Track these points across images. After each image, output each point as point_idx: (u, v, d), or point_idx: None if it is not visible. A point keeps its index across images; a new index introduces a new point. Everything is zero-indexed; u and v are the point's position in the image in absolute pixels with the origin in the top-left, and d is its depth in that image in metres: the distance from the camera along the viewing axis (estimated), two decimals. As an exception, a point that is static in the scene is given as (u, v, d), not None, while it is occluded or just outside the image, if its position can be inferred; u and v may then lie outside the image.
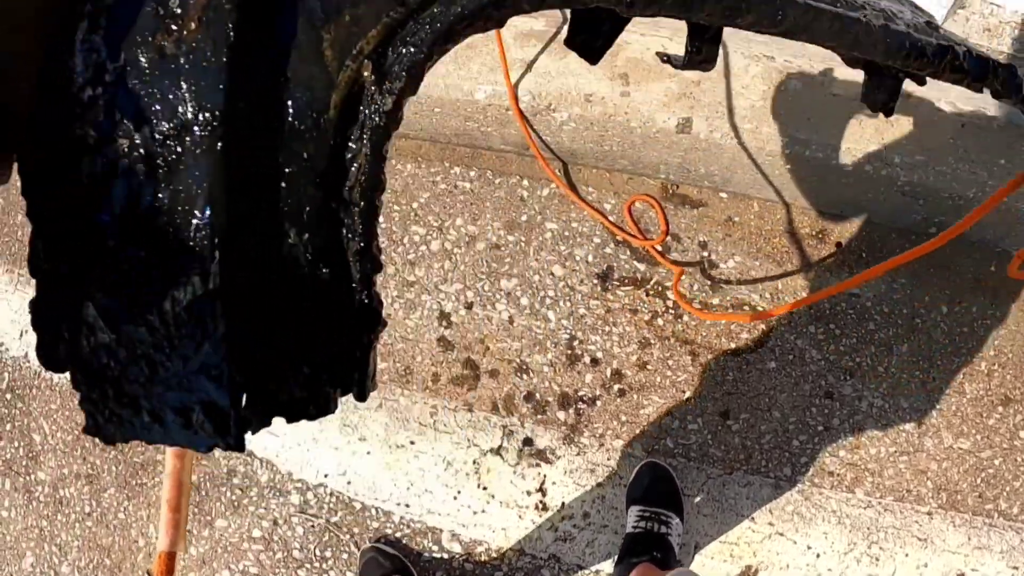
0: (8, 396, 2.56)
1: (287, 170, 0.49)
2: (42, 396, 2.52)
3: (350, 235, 0.51)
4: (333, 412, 0.53)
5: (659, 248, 2.05)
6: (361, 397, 0.54)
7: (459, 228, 2.19)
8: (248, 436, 0.50)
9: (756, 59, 1.91)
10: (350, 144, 0.50)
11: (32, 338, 2.23)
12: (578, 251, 2.11)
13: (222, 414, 0.49)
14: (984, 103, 1.77)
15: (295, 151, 0.49)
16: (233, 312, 0.48)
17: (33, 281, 0.50)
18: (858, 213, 2.02)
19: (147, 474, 2.28)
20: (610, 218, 2.10)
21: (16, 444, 2.48)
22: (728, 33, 1.87)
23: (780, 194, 2.03)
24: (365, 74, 0.49)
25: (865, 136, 1.85)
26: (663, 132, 1.93)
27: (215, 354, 0.48)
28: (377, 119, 0.50)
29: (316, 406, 0.53)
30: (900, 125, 1.85)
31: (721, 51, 1.91)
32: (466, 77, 2.05)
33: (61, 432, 2.42)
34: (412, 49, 0.50)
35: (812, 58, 1.86)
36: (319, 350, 0.52)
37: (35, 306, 0.50)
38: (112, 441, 0.50)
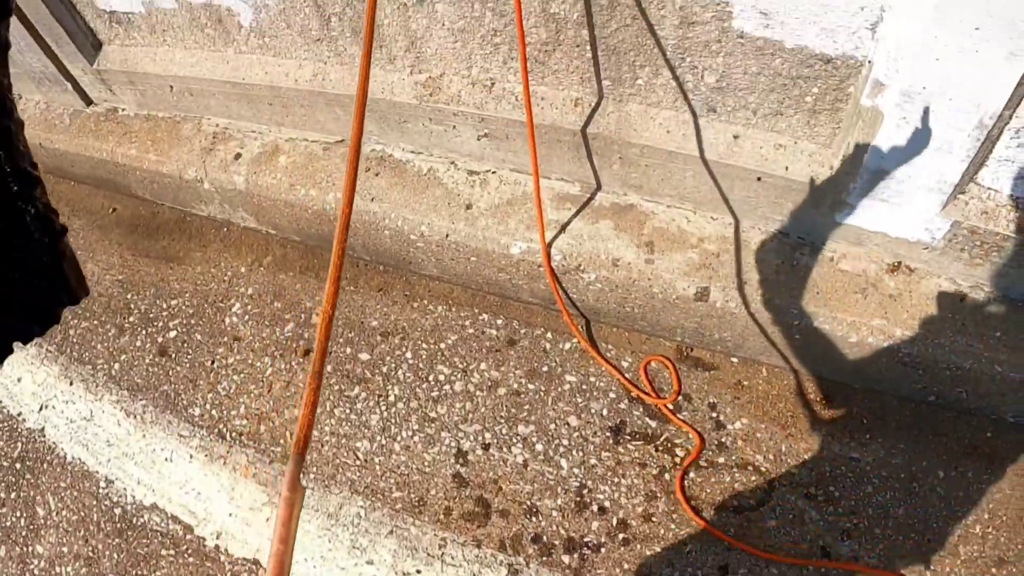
0: (18, 466, 2.62)
1: None
2: (52, 472, 2.57)
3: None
4: (57, 323, 0.60)
5: (671, 407, 2.15)
6: (73, 302, 0.60)
7: (483, 372, 2.30)
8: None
9: (771, 235, 2.04)
10: None
11: (51, 413, 2.29)
12: (594, 404, 2.22)
13: None
14: (982, 279, 1.89)
15: None
16: None
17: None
18: (861, 381, 2.11)
19: (147, 566, 2.32)
20: (626, 375, 2.21)
21: (19, 514, 2.52)
22: (743, 210, 2.00)
23: (788, 361, 2.14)
24: None
25: (869, 310, 1.95)
26: (682, 299, 2.05)
27: None
28: None
29: (40, 323, 0.58)
30: (902, 299, 1.96)
31: (735, 225, 2.05)
32: (504, 232, 2.19)
33: (67, 511, 2.46)
34: None
35: (823, 238, 2.00)
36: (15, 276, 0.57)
37: None
38: None
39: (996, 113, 1.50)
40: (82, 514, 2.44)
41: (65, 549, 2.39)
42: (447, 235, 2.27)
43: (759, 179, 1.92)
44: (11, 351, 0.57)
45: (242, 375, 2.53)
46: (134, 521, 2.38)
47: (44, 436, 2.66)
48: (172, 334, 2.75)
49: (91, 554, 2.36)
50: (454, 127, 2.25)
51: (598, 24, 1.85)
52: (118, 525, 2.38)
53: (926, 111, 1.56)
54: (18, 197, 0.54)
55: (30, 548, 2.44)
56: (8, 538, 2.49)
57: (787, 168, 1.87)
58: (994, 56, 1.40)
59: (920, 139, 1.62)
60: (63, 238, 0.57)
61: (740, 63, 1.78)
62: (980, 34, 1.38)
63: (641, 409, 2.19)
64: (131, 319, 2.87)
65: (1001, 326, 1.90)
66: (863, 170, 1.75)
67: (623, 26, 1.83)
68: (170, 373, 2.65)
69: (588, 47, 1.92)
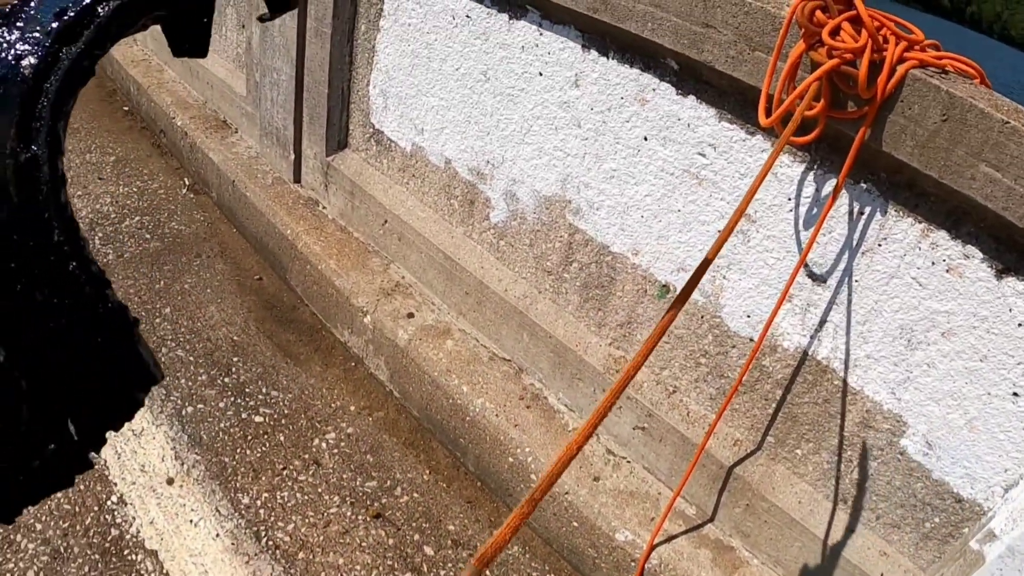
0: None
1: None
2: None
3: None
4: (142, 406, 0.59)
5: None
6: (150, 384, 0.59)
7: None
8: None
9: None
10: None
11: None
12: None
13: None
14: None
15: None
16: None
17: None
18: None
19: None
20: None
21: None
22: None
23: None
24: None
25: None
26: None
27: None
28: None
29: (126, 408, 0.59)
30: None
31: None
32: (617, 516, 2.31)
33: (65, 497, 2.35)
34: None
35: None
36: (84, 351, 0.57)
37: None
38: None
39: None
40: (77, 509, 2.35)
41: (39, 527, 2.27)
42: (567, 493, 2.39)
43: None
44: (105, 441, 0.60)
45: (306, 497, 2.56)
46: (125, 553, 2.26)
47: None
48: (258, 419, 2.81)
49: (63, 551, 2.22)
50: (619, 408, 2.44)
51: (794, 392, 2.08)
52: (107, 545, 2.27)
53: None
54: (94, 297, 0.56)
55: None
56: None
57: (881, 575, 2.00)
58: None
59: (1006, 591, 1.79)
60: (136, 329, 0.60)
61: (888, 474, 1.98)
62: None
63: None
64: (227, 379, 2.94)
65: None
66: (945, 602, 1.90)
67: (813, 403, 2.05)
68: (238, 450, 2.66)
69: (773, 405, 2.13)
